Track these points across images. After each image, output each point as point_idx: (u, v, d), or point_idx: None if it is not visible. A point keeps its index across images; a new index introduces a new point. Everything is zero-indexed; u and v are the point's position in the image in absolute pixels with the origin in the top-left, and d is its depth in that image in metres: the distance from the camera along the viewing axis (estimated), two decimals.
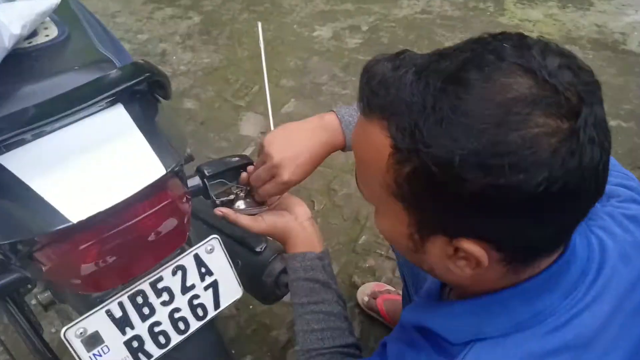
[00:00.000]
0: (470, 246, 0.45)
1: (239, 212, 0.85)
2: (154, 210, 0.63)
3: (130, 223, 0.62)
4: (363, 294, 1.58)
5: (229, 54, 2.79)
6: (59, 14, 0.79)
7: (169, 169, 0.62)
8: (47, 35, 0.74)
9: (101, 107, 0.64)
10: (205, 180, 0.90)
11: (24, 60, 0.68)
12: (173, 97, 0.75)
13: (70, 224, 0.55)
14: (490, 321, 0.51)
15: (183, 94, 2.49)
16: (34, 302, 0.89)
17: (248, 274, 0.97)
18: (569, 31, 2.96)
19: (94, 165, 0.60)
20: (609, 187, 0.57)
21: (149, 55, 2.81)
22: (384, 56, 0.47)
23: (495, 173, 0.39)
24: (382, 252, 1.75)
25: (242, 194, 0.89)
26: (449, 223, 0.46)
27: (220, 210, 0.84)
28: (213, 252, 0.79)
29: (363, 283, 1.63)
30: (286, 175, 0.77)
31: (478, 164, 0.40)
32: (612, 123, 2.33)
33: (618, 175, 0.70)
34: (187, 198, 0.72)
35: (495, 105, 0.40)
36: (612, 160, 0.59)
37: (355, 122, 0.73)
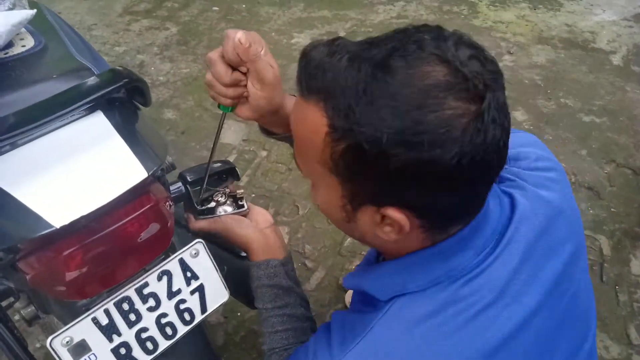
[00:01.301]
0: (395, 213, 0.51)
1: (217, 217, 0.87)
2: (136, 214, 0.64)
3: (113, 227, 0.62)
4: (349, 296, 1.59)
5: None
6: (35, 25, 0.79)
7: (151, 172, 0.62)
8: (23, 46, 0.74)
9: (80, 115, 0.64)
10: (187, 186, 0.90)
11: (1, 70, 0.68)
12: (153, 107, 0.75)
13: (54, 228, 0.55)
14: (411, 278, 0.58)
15: (163, 104, 2.48)
16: (17, 317, 0.87)
17: (234, 279, 0.97)
18: (540, 31, 3.04)
19: (75, 171, 0.60)
20: (513, 151, 0.65)
21: (127, 66, 2.78)
22: (321, 42, 0.52)
23: (416, 149, 0.45)
24: None
25: (223, 200, 0.90)
26: (377, 194, 0.51)
27: (186, 214, 0.88)
28: (198, 256, 0.79)
29: None
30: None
31: (402, 141, 0.45)
32: (585, 119, 2.41)
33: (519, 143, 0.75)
34: (170, 203, 0.73)
35: (417, 90, 0.45)
36: (519, 136, 0.70)
37: None
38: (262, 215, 0.89)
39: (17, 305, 0.84)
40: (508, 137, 0.50)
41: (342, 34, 3.04)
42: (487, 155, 0.48)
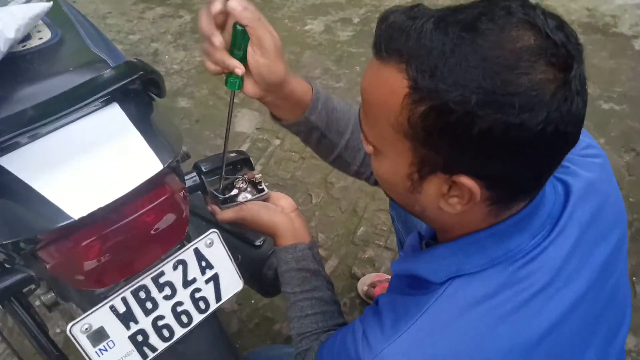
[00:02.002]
0: (468, 181, 0.50)
1: (243, 204, 0.87)
2: (153, 205, 0.65)
3: (130, 218, 0.63)
4: (363, 284, 1.60)
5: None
6: (51, 17, 0.80)
7: (166, 164, 0.63)
8: (40, 38, 0.75)
9: (97, 107, 0.65)
10: (202, 176, 0.91)
11: (19, 63, 0.69)
12: (167, 96, 0.76)
13: (72, 220, 0.56)
14: (467, 259, 0.58)
15: (177, 93, 2.50)
16: (37, 303, 0.90)
17: (248, 268, 0.98)
18: (560, 16, 2.97)
19: (93, 163, 0.61)
20: None
21: (141, 55, 2.81)
22: (399, 7, 0.52)
23: (505, 110, 0.45)
24: (381, 243, 1.77)
25: (244, 186, 0.91)
26: (452, 159, 0.50)
27: (211, 207, 0.88)
28: (213, 246, 0.80)
29: (363, 274, 1.65)
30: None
31: (492, 101, 0.45)
32: (605, 106, 2.36)
33: None
34: (185, 193, 0.73)
35: (508, 51, 0.45)
36: None
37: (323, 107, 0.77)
38: (285, 200, 0.90)
39: (38, 291, 0.86)
40: (585, 112, 0.50)
41: (356, 20, 3.01)
42: (568, 126, 0.48)
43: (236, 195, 0.91)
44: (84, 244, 0.61)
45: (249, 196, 0.91)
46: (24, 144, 0.62)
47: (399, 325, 0.58)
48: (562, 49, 0.46)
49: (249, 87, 0.71)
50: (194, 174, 0.92)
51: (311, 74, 2.58)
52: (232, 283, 0.84)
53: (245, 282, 0.87)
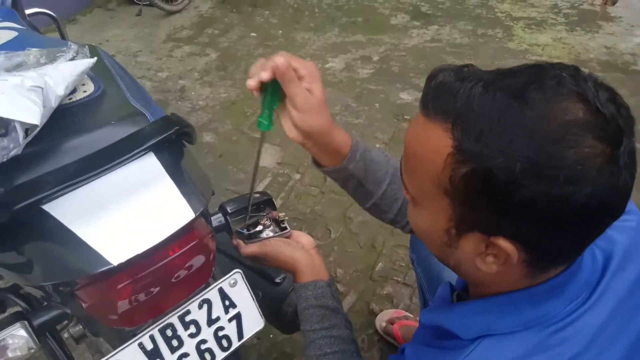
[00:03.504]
0: (505, 244, 0.50)
1: (266, 240, 0.91)
2: (183, 250, 0.69)
3: (162, 263, 0.67)
4: (381, 320, 1.60)
5: (245, 88, 2.88)
6: (94, 70, 0.87)
7: (197, 213, 0.68)
8: (85, 92, 0.82)
9: (135, 157, 0.71)
10: (227, 217, 0.96)
11: (66, 115, 0.76)
12: None
13: (111, 266, 0.61)
14: (499, 319, 0.57)
15: (202, 128, 2.59)
16: (65, 335, 0.94)
17: (268, 305, 1.01)
18: (578, 54, 3.00)
19: (130, 210, 0.67)
20: None
21: (169, 91, 2.94)
22: (449, 66, 0.53)
23: (549, 182, 0.45)
24: (399, 279, 1.77)
25: (268, 223, 0.96)
26: (491, 222, 0.50)
27: (236, 241, 0.91)
28: (236, 286, 0.84)
29: (381, 310, 1.66)
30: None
31: (536, 173, 0.45)
32: None
33: None
34: (212, 236, 0.78)
35: (556, 124, 0.45)
36: None
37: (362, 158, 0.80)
38: (305, 238, 0.92)
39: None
40: (633, 186, 0.49)
41: (375, 58, 3.09)
42: (615, 200, 0.47)
43: (260, 232, 0.95)
44: (119, 287, 0.65)
45: (272, 233, 0.95)
46: (67, 192, 0.67)
47: None
48: (612, 123, 0.46)
49: (289, 129, 0.75)
50: (220, 214, 0.97)
51: (332, 110, 2.61)
52: (253, 322, 0.87)
53: (265, 318, 0.90)
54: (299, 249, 0.88)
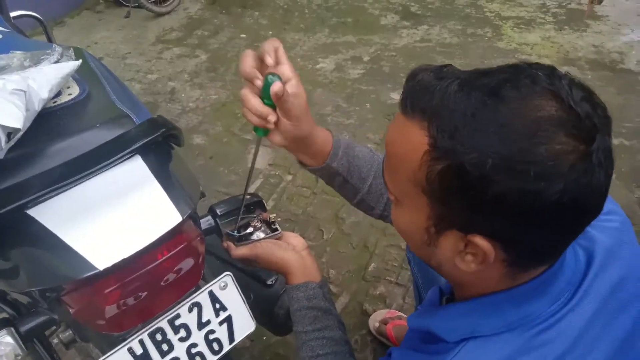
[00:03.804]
0: (482, 242, 0.50)
1: (257, 242, 0.90)
2: (171, 254, 0.68)
3: (150, 267, 0.67)
4: (374, 320, 1.60)
5: (235, 90, 2.88)
6: (79, 73, 0.86)
7: (185, 216, 0.67)
8: (70, 94, 0.81)
9: (121, 160, 0.70)
10: (217, 219, 0.95)
11: (51, 119, 0.75)
12: (183, 132, 0.80)
13: (97, 270, 0.60)
14: (482, 321, 0.57)
15: (192, 130, 2.58)
16: (55, 340, 0.93)
17: (260, 307, 1.01)
18: (566, 53, 3.03)
19: (116, 214, 0.66)
20: None
21: (159, 93, 2.92)
22: (429, 66, 0.54)
23: (520, 178, 0.45)
24: (392, 279, 1.77)
25: (259, 225, 0.95)
26: (468, 219, 0.51)
27: (226, 243, 0.91)
28: (226, 288, 0.83)
29: (374, 310, 1.66)
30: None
31: (507, 168, 0.45)
32: (614, 141, 2.35)
33: None
34: (201, 239, 0.77)
35: (528, 120, 0.46)
36: None
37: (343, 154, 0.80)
38: (296, 239, 0.92)
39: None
40: (609, 185, 0.49)
41: (366, 58, 3.10)
42: (588, 198, 0.47)
43: (251, 234, 0.95)
44: (106, 291, 0.65)
45: (263, 235, 0.95)
46: (52, 196, 0.66)
47: None
48: (585, 121, 0.46)
49: (276, 137, 0.75)
50: (209, 217, 0.96)
51: (322, 111, 2.64)
52: (245, 324, 0.87)
53: (257, 321, 0.89)
54: (290, 250, 0.88)
